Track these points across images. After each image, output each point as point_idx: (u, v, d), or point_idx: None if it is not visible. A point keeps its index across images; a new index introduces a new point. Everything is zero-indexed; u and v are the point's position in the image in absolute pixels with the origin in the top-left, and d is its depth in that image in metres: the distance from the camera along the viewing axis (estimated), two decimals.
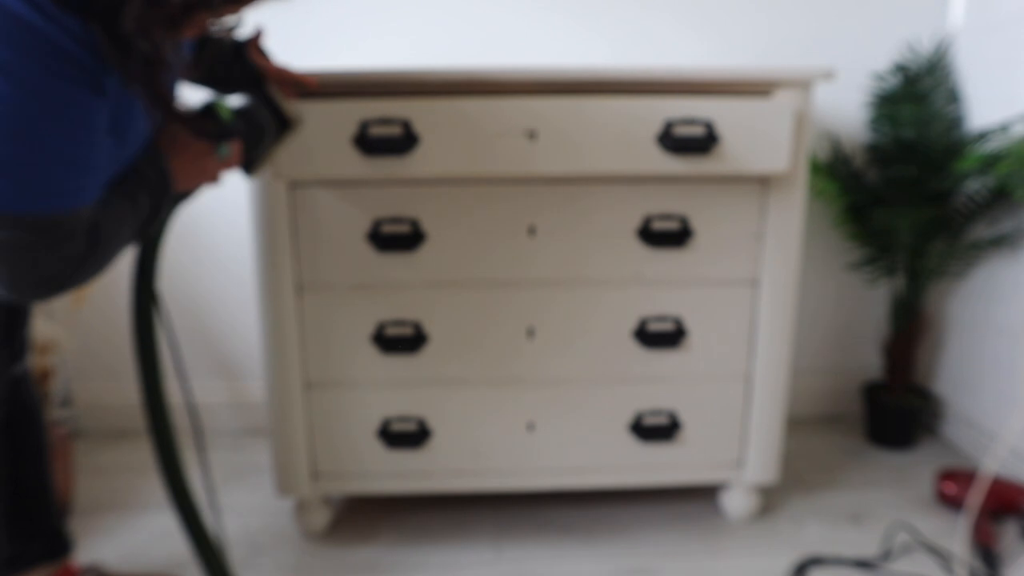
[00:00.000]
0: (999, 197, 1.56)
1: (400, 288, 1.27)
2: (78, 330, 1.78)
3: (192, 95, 1.02)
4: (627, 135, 1.17)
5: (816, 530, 1.43)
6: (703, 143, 1.17)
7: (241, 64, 1.09)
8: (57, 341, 1.56)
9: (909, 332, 1.73)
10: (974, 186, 1.62)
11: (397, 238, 1.24)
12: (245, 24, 1.01)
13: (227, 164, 0.99)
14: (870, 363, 1.91)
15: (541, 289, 1.29)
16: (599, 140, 1.17)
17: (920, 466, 1.66)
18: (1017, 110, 1.52)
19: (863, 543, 1.38)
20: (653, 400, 1.35)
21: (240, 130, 1.00)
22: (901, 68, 1.63)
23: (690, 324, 1.32)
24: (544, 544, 1.38)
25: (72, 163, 0.75)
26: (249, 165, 1.05)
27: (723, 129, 1.18)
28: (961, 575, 1.28)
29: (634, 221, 1.26)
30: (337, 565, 1.33)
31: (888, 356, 1.76)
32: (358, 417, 1.33)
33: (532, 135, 1.16)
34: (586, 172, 1.19)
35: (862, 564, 1.32)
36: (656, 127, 1.17)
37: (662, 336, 1.31)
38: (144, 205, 0.90)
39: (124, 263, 1.75)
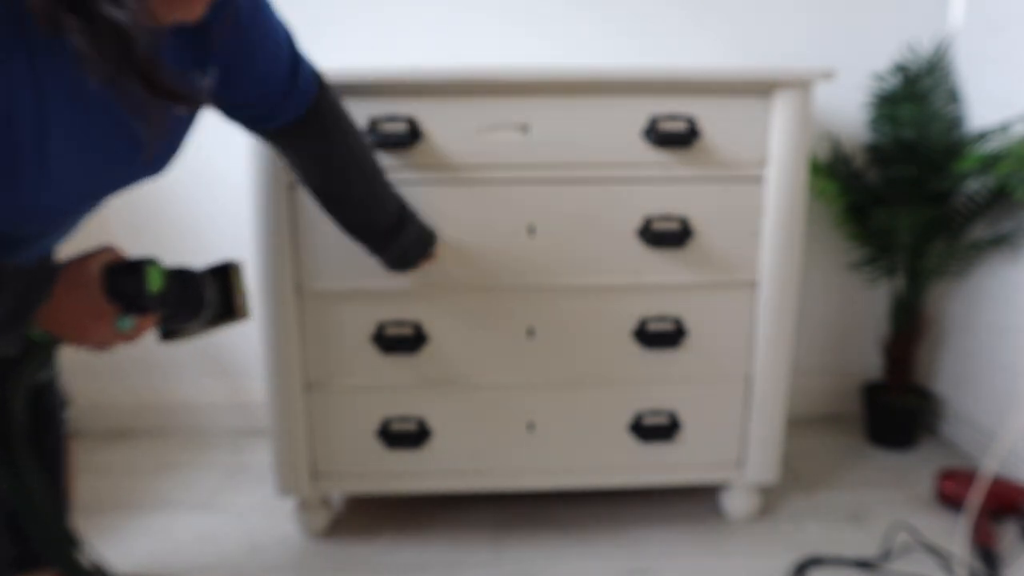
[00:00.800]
0: (999, 197, 1.56)
1: (400, 289, 1.27)
2: None
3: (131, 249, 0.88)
4: (615, 130, 1.22)
5: (816, 530, 1.43)
6: (685, 137, 1.22)
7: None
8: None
9: (909, 332, 1.73)
10: (974, 186, 1.62)
11: None
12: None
13: (125, 337, 0.79)
14: (870, 363, 1.91)
15: (541, 290, 1.29)
16: (587, 133, 1.22)
17: (920, 466, 1.66)
18: (1017, 110, 1.52)
19: (863, 543, 1.38)
20: (653, 400, 1.35)
21: (162, 304, 0.81)
22: (901, 68, 1.63)
23: (690, 324, 1.32)
24: (544, 544, 1.38)
25: None
26: (167, 334, 0.87)
27: (705, 125, 1.23)
28: (961, 575, 1.28)
29: (634, 222, 1.27)
30: (337, 565, 1.33)
31: (888, 356, 1.76)
32: (358, 417, 1.33)
33: (524, 128, 1.21)
34: (574, 161, 1.22)
35: (862, 564, 1.32)
36: (643, 123, 1.22)
37: (662, 336, 1.31)
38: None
39: None
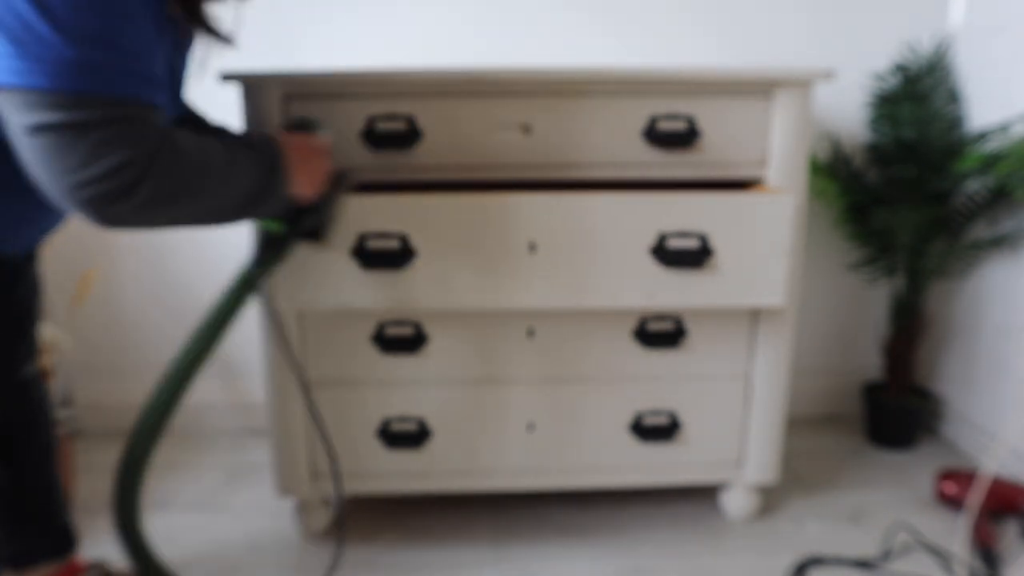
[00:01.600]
0: (999, 197, 1.56)
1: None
2: (78, 330, 1.78)
3: None
4: (615, 129, 1.21)
5: (816, 530, 1.43)
6: (685, 138, 1.22)
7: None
8: (57, 341, 1.56)
9: (909, 332, 1.73)
10: (974, 186, 1.62)
11: (386, 254, 1.17)
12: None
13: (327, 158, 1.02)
14: (870, 363, 1.91)
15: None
16: (588, 133, 1.21)
17: (920, 466, 1.66)
18: (1017, 110, 1.52)
19: (863, 543, 1.38)
20: (653, 400, 1.35)
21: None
22: (901, 68, 1.63)
23: (689, 324, 1.32)
24: (544, 544, 1.38)
25: (135, 53, 0.72)
26: (282, 242, 1.05)
27: (705, 125, 1.22)
28: (961, 575, 1.28)
29: (647, 238, 1.19)
30: (337, 565, 1.33)
31: (888, 356, 1.76)
32: (358, 417, 1.33)
33: (526, 129, 1.20)
34: (576, 162, 1.21)
35: (862, 564, 1.32)
36: (643, 123, 1.22)
37: (662, 336, 1.31)
38: (245, 172, 0.86)
39: (122, 265, 1.75)
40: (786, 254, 1.18)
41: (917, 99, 1.63)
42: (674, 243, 1.17)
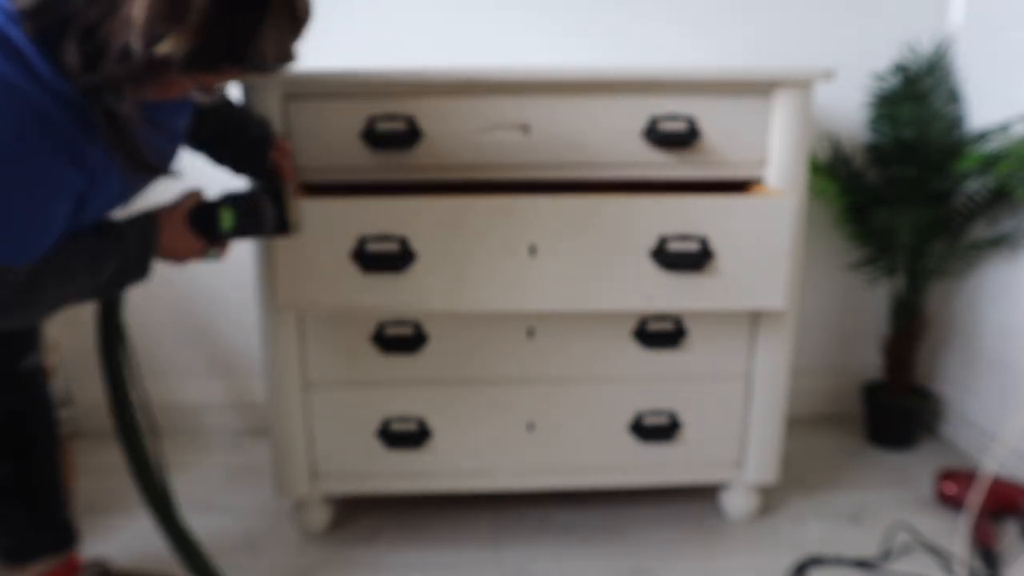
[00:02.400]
0: (999, 197, 1.56)
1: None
2: (78, 330, 1.78)
3: (208, 189, 1.07)
4: (615, 129, 1.22)
5: (816, 530, 1.43)
6: (685, 138, 1.21)
7: (260, 156, 1.11)
8: (57, 341, 1.56)
9: (909, 332, 1.73)
10: (974, 186, 1.62)
11: (386, 257, 1.17)
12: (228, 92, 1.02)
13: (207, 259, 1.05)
14: (870, 363, 1.91)
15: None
16: (588, 133, 1.21)
17: (920, 466, 1.66)
18: (1017, 110, 1.52)
19: (863, 543, 1.38)
20: (653, 400, 1.35)
21: (234, 235, 1.04)
22: (901, 68, 1.63)
23: (689, 324, 1.32)
24: (544, 544, 1.38)
25: (30, 227, 0.76)
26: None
27: (706, 125, 1.22)
28: (961, 575, 1.28)
29: (648, 241, 1.18)
30: (337, 565, 1.33)
31: (888, 356, 1.76)
32: (358, 417, 1.33)
33: (526, 129, 1.20)
34: (576, 162, 1.21)
35: (862, 564, 1.32)
36: (643, 123, 1.22)
37: (662, 336, 1.31)
38: (108, 271, 0.90)
39: None
40: (787, 257, 1.18)
41: (917, 99, 1.63)
42: (674, 246, 1.17)
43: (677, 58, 1.69)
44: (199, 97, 0.81)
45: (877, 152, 1.70)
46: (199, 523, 1.45)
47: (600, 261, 1.17)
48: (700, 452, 1.38)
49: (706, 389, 1.35)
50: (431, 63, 1.67)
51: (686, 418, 1.36)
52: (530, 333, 1.31)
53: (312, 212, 1.14)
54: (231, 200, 1.04)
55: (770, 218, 1.17)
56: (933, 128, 1.62)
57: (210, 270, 1.77)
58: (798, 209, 1.26)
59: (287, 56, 0.79)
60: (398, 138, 1.20)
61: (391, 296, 1.18)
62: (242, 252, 1.75)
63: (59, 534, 1.16)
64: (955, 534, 1.40)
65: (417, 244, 1.16)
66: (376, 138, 1.20)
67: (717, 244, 1.17)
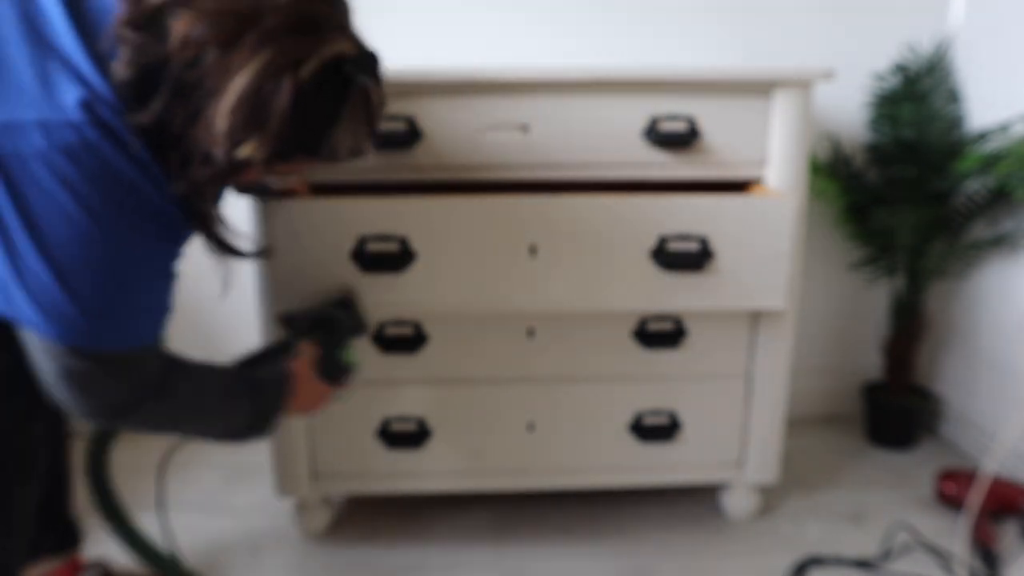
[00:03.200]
0: (999, 197, 1.56)
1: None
2: None
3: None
4: (615, 129, 1.22)
5: (816, 530, 1.43)
6: (685, 138, 1.21)
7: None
8: None
9: (909, 332, 1.73)
10: (974, 186, 1.62)
11: (386, 257, 1.17)
12: None
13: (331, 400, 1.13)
14: (870, 363, 1.91)
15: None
16: (588, 133, 1.22)
17: (920, 466, 1.66)
18: (1017, 110, 1.52)
19: (863, 543, 1.38)
20: (653, 400, 1.35)
21: (356, 366, 1.15)
22: (901, 68, 1.63)
23: (689, 324, 1.32)
24: (544, 544, 1.38)
25: (149, 309, 0.83)
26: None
27: (706, 125, 1.22)
28: (961, 575, 1.28)
29: (648, 241, 1.18)
30: (337, 565, 1.33)
31: (888, 356, 1.76)
32: (358, 417, 1.33)
33: (526, 129, 1.20)
34: (576, 162, 1.21)
35: (862, 564, 1.32)
36: (643, 123, 1.22)
37: (662, 336, 1.31)
38: (241, 409, 0.96)
39: None
40: (787, 257, 1.18)
41: (917, 99, 1.63)
42: (674, 246, 1.17)
43: (677, 58, 1.69)
44: (272, 183, 0.87)
45: (877, 152, 1.70)
46: (199, 523, 1.46)
47: (600, 261, 1.17)
48: (700, 452, 1.38)
49: (706, 389, 1.35)
50: (431, 63, 1.67)
51: (686, 418, 1.36)
52: (530, 333, 1.31)
53: (312, 212, 1.14)
54: (330, 333, 1.10)
55: (770, 218, 1.17)
56: (933, 128, 1.62)
57: (210, 269, 1.77)
58: (798, 209, 1.26)
59: (361, 150, 0.83)
60: (398, 138, 1.20)
61: (391, 296, 1.18)
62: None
63: (64, 534, 1.16)
64: (955, 534, 1.40)
65: (417, 244, 1.16)
66: (376, 138, 1.20)
67: (717, 244, 1.17)
